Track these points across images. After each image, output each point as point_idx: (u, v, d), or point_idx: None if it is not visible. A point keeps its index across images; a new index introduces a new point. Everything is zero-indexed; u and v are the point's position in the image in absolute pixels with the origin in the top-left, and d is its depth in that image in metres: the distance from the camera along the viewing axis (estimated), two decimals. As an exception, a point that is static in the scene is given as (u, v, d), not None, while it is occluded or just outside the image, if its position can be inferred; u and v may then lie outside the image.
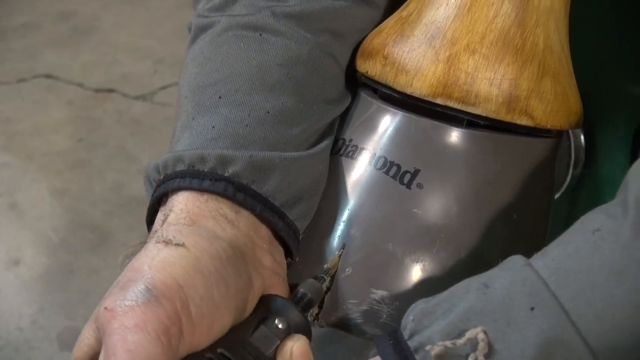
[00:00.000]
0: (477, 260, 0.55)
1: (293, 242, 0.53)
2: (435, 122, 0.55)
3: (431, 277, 0.54)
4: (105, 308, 0.43)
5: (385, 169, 0.55)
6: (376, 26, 0.60)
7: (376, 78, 0.57)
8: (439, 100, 0.55)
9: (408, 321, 0.45)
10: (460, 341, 0.42)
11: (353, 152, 0.57)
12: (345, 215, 0.55)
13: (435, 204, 0.54)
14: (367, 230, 0.54)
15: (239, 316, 0.47)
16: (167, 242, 0.46)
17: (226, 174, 0.50)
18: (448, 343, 0.43)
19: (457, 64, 0.54)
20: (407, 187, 0.54)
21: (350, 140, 0.57)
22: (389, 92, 0.57)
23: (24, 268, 1.36)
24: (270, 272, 0.50)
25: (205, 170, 0.50)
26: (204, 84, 0.54)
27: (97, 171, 1.57)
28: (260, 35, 0.55)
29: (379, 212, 0.55)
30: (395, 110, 0.56)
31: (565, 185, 0.81)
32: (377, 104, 0.58)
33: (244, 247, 0.49)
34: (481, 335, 0.42)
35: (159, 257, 0.45)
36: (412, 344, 0.44)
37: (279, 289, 0.51)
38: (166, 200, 0.51)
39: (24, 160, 1.63)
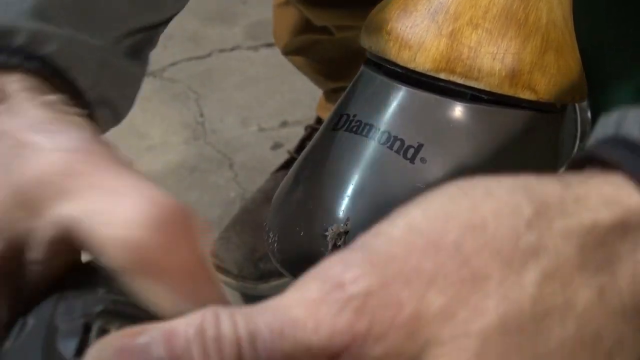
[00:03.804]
0: (481, 233, 0.55)
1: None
2: (439, 97, 0.56)
3: (435, 250, 0.54)
4: None
5: (389, 144, 0.55)
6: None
7: (379, 53, 0.58)
8: (442, 75, 0.55)
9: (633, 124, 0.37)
10: None
11: (357, 127, 0.57)
12: (349, 190, 0.55)
13: (438, 178, 0.55)
14: (371, 204, 0.55)
15: None
16: None
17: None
18: None
19: (460, 39, 0.54)
20: (410, 161, 0.55)
21: (354, 116, 0.58)
22: (392, 67, 0.57)
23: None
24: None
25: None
26: None
27: (107, 148, 1.57)
28: None
29: (383, 186, 0.55)
30: (399, 86, 0.57)
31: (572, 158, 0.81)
32: (380, 79, 0.58)
33: None
34: None
35: None
36: None
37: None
38: None
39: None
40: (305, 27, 1.15)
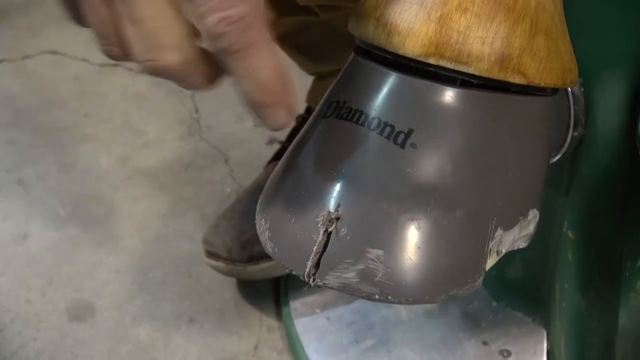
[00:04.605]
0: (472, 218, 0.55)
1: None
2: (429, 82, 0.55)
3: (426, 235, 0.54)
4: None
5: (379, 130, 0.55)
6: None
7: (369, 40, 0.57)
8: (431, 60, 0.55)
9: None
10: None
11: (346, 113, 0.57)
12: (339, 176, 0.55)
13: (429, 163, 0.54)
14: (362, 190, 0.55)
15: None
16: None
17: None
18: None
19: (449, 23, 0.54)
20: (401, 147, 0.55)
21: (344, 102, 0.58)
22: (382, 53, 0.57)
23: (32, 242, 1.36)
24: None
25: None
26: None
27: (103, 145, 1.58)
28: None
29: (373, 172, 0.55)
30: (389, 71, 0.57)
31: (565, 146, 0.81)
32: (370, 65, 0.58)
33: None
34: None
35: None
36: None
37: None
38: None
39: (30, 136, 1.63)
40: (290, 8, 1.15)
